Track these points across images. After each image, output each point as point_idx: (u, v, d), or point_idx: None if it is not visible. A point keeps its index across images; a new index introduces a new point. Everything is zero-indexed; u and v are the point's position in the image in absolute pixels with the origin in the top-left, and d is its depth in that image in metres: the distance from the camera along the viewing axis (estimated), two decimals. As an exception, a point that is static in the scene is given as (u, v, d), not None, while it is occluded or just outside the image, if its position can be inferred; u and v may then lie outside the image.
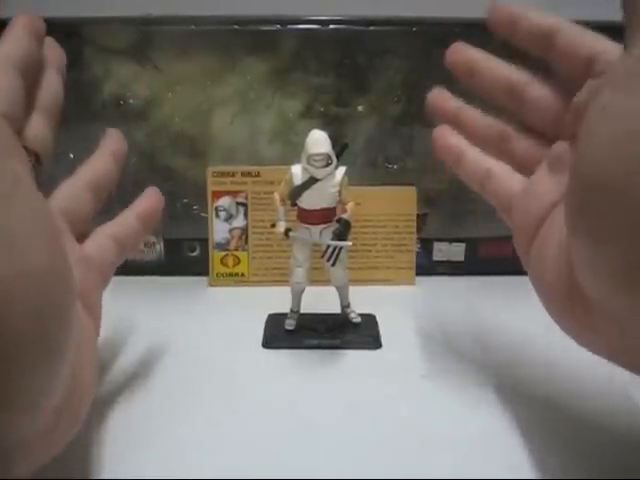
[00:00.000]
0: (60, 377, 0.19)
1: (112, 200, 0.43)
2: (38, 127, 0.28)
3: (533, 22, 0.27)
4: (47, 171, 0.27)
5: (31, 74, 0.27)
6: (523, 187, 0.28)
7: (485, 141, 0.30)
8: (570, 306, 0.23)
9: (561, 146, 0.26)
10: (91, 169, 0.30)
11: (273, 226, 0.35)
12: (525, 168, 0.28)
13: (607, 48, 0.25)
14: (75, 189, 0.29)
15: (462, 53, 0.30)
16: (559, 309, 0.24)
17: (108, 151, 0.31)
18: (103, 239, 0.29)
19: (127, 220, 0.31)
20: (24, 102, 0.26)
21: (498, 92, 0.29)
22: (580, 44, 0.26)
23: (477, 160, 0.30)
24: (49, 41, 0.29)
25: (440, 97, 0.32)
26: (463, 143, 0.30)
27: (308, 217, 0.34)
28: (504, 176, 0.29)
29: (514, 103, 0.29)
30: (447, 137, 0.31)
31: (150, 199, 0.32)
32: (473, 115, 0.31)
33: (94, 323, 0.26)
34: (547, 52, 0.27)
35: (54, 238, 0.19)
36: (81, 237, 0.28)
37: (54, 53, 0.30)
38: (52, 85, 0.29)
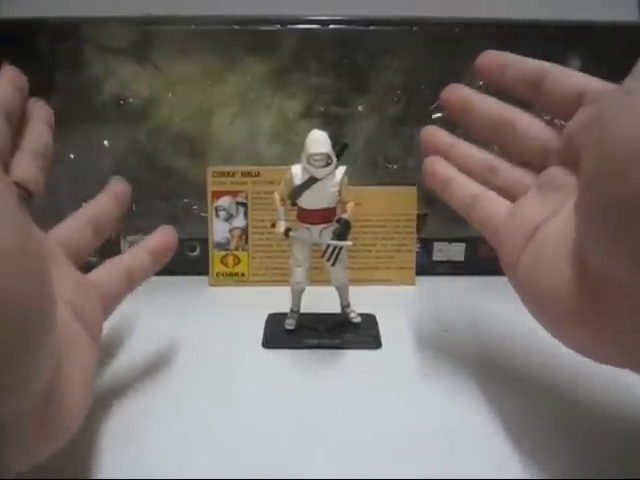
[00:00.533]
0: (41, 356, 0.19)
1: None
2: (29, 169, 0.29)
3: (519, 69, 0.29)
4: (39, 212, 0.28)
5: (14, 119, 0.29)
6: (509, 210, 0.28)
7: (473, 173, 0.31)
8: (575, 309, 0.23)
9: (554, 170, 0.27)
10: (93, 207, 0.32)
11: (273, 226, 0.35)
12: (510, 197, 0.29)
13: (596, 84, 0.26)
14: (75, 222, 0.30)
15: (457, 92, 0.32)
16: (559, 316, 0.24)
17: (112, 194, 0.33)
18: (114, 271, 0.30)
19: (139, 254, 0.32)
20: (9, 141, 0.28)
21: (490, 127, 0.30)
22: (568, 84, 0.27)
23: (463, 187, 0.31)
24: (39, 102, 0.32)
25: (432, 134, 0.33)
26: (451, 171, 0.31)
27: (308, 217, 0.34)
28: (490, 201, 0.30)
29: (504, 136, 0.30)
30: (435, 165, 0.32)
31: (163, 235, 0.33)
32: (463, 149, 0.32)
33: (94, 343, 0.26)
34: (535, 96, 0.28)
35: (19, 220, 0.18)
36: (82, 268, 0.29)
37: (44, 110, 0.32)
38: (43, 136, 0.31)
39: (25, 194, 0.28)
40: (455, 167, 0.31)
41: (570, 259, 0.23)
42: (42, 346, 0.19)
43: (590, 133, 0.22)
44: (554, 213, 0.26)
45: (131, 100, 0.45)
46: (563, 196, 0.26)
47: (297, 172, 0.33)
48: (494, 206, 0.29)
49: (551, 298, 0.24)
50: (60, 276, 0.26)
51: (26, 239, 0.18)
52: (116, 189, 0.34)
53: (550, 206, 0.26)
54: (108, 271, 0.30)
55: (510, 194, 0.29)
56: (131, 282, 0.30)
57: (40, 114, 0.32)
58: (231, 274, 0.45)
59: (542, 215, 0.26)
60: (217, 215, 0.44)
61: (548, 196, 0.27)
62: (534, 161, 0.29)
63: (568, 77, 0.27)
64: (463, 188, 0.31)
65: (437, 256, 0.46)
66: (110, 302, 0.29)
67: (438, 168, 0.32)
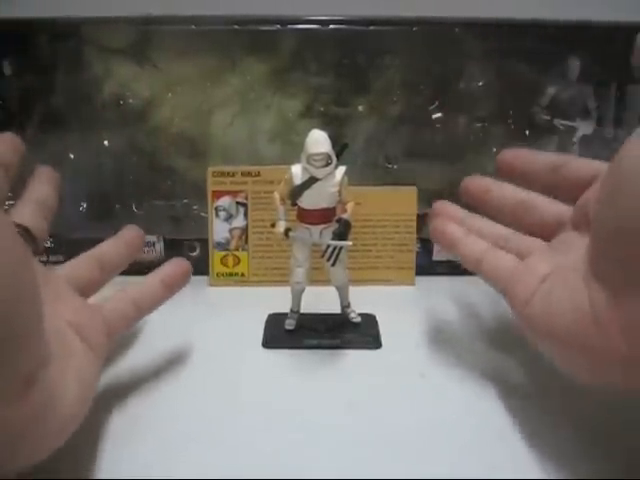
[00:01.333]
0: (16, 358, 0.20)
1: (112, 200, 0.43)
2: (31, 215, 0.31)
3: (541, 163, 0.32)
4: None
5: (10, 171, 0.31)
6: (518, 264, 0.30)
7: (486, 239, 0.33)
8: (587, 342, 0.24)
9: (565, 234, 0.29)
10: (100, 248, 0.33)
11: (273, 226, 0.35)
12: (520, 258, 0.30)
13: None
14: (81, 260, 0.32)
15: (476, 182, 0.35)
16: (572, 351, 0.25)
17: (123, 239, 0.35)
18: (121, 301, 0.30)
19: (149, 283, 0.32)
20: (5, 187, 0.30)
21: (508, 209, 0.33)
22: (585, 168, 0.29)
23: (473, 245, 0.32)
24: (48, 168, 0.35)
25: (443, 207, 0.35)
26: (459, 231, 0.33)
27: (308, 217, 0.34)
28: (499, 257, 0.31)
29: (522, 215, 0.32)
30: (446, 226, 0.33)
31: (176, 266, 0.33)
32: (474, 222, 0.34)
33: (96, 360, 0.27)
34: (555, 183, 0.31)
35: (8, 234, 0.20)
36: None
37: (50, 174, 0.35)
38: (45, 192, 0.34)
39: (26, 234, 0.29)
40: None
41: (581, 295, 0.24)
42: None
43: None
44: (565, 262, 0.27)
45: (131, 100, 0.45)
46: (573, 252, 0.27)
47: (297, 172, 0.33)
48: (503, 260, 0.31)
49: (563, 332, 0.25)
50: (63, 299, 0.27)
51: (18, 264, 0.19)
52: (128, 236, 0.35)
53: (561, 258, 0.27)
54: (116, 300, 0.30)
55: (520, 256, 0.30)
56: (139, 311, 0.31)
57: (45, 176, 0.34)
58: (231, 274, 0.45)
59: (554, 263, 0.27)
60: (217, 215, 0.44)
61: (558, 252, 0.28)
62: (548, 234, 0.30)
63: (587, 163, 0.30)
64: (473, 246, 0.32)
65: (437, 256, 0.46)
66: (116, 330, 0.30)
67: (446, 227, 0.33)
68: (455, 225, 0.33)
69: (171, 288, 0.33)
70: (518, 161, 0.33)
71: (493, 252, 0.31)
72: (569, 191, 0.29)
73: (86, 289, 0.31)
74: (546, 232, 0.30)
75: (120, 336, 0.36)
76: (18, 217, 0.31)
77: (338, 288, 0.37)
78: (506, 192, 0.33)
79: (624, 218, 0.21)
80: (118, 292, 0.31)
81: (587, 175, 0.29)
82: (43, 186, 0.34)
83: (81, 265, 0.31)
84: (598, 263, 0.24)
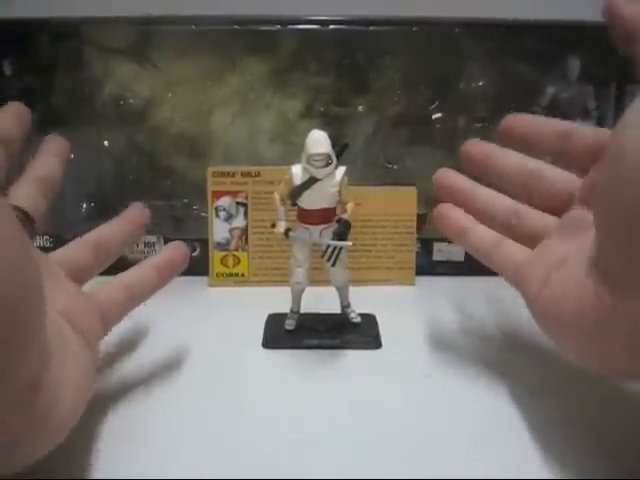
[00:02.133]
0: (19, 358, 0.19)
1: (112, 200, 0.43)
2: (30, 195, 0.30)
3: (547, 129, 0.30)
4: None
5: (12, 148, 0.30)
6: (530, 254, 0.29)
7: (494, 218, 0.31)
8: (596, 329, 0.23)
9: (575, 211, 0.28)
10: (98, 231, 0.32)
11: (273, 226, 0.35)
12: (532, 242, 0.29)
13: None
14: (76, 245, 0.31)
15: (477, 147, 0.33)
16: (581, 338, 0.24)
17: (127, 219, 0.34)
18: (116, 287, 0.30)
19: (143, 270, 0.32)
20: (3, 164, 0.29)
21: (516, 178, 0.31)
22: (595, 136, 0.28)
23: (484, 235, 0.31)
24: (57, 137, 0.34)
25: (448, 177, 0.33)
26: (468, 220, 0.32)
27: (308, 217, 0.34)
28: (511, 246, 0.30)
29: (531, 185, 0.30)
30: (451, 213, 0.32)
31: (172, 251, 0.33)
32: (482, 193, 0.32)
33: (90, 351, 0.26)
34: (564, 152, 0.29)
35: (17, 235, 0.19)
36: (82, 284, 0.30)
37: (57, 145, 0.34)
38: (49, 167, 0.32)
39: (24, 218, 0.28)
40: (475, 212, 0.32)
41: (586, 284, 0.23)
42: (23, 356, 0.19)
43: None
44: (574, 246, 0.26)
45: (131, 100, 0.45)
46: (582, 233, 0.26)
47: (297, 172, 0.33)
48: (515, 251, 0.30)
49: (570, 321, 0.24)
50: (56, 287, 0.26)
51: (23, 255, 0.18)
52: (132, 215, 0.34)
53: (571, 242, 0.26)
54: (110, 287, 0.30)
55: (532, 239, 0.29)
56: (134, 298, 0.31)
57: (52, 148, 0.33)
58: (231, 274, 0.45)
59: (565, 249, 0.26)
60: (217, 215, 0.44)
61: (569, 233, 0.27)
62: (559, 206, 0.29)
63: (596, 132, 0.28)
64: (484, 236, 0.31)
65: (437, 256, 0.46)
66: (110, 317, 0.29)
67: (455, 215, 0.32)
68: (461, 212, 0.32)
69: (165, 277, 0.32)
70: (522, 126, 0.31)
71: (503, 244, 0.30)
72: (578, 160, 0.28)
73: (80, 275, 0.30)
74: (558, 205, 0.29)
75: (119, 335, 0.36)
76: (17, 198, 0.29)
77: (338, 288, 0.37)
78: (510, 159, 0.31)
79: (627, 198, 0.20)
80: (112, 280, 0.30)
81: (597, 144, 0.27)
82: (49, 158, 0.33)
83: (75, 250, 0.31)
84: (599, 252, 0.23)
